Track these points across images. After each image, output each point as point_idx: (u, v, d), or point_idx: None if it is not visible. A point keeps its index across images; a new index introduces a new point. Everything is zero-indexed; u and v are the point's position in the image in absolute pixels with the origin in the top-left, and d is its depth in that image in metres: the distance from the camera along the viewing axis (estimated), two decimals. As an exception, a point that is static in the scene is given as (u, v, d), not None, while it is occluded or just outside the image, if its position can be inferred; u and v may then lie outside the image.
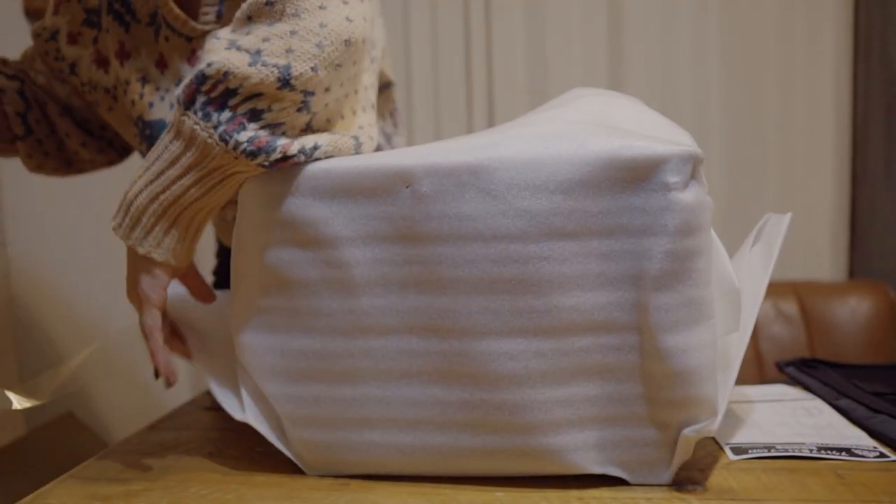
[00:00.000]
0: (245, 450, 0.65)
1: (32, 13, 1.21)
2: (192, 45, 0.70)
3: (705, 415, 0.51)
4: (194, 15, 0.70)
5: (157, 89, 0.72)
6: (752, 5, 1.61)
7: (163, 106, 0.72)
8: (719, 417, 0.51)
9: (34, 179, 1.21)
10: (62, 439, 1.11)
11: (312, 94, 0.56)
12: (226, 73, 0.53)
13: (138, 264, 0.59)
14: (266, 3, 0.57)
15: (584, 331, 0.51)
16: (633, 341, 0.51)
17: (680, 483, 0.53)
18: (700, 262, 0.50)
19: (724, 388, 0.53)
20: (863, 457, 0.57)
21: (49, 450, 1.08)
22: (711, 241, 0.53)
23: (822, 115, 1.64)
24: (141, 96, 0.72)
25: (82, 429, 1.21)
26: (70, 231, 1.23)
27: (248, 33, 0.58)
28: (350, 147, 0.60)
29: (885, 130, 1.55)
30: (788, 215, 0.65)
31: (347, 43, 0.57)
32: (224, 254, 1.00)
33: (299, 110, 0.56)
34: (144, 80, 0.72)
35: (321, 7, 0.57)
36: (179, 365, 0.66)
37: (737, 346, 0.56)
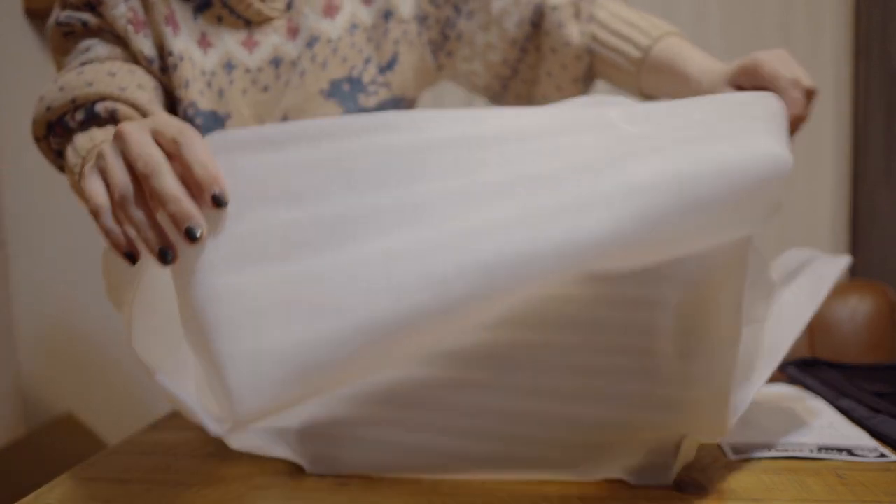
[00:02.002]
0: (245, 450, 0.65)
1: (33, 13, 1.21)
2: (250, 29, 0.69)
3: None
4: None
5: (203, 73, 0.70)
6: (752, 5, 1.61)
7: (209, 93, 0.70)
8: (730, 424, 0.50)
9: (34, 179, 1.21)
10: (62, 439, 1.11)
11: None
12: None
13: None
14: None
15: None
16: (646, 342, 0.50)
17: (680, 483, 0.52)
18: None
19: (741, 395, 0.52)
20: (863, 457, 0.57)
21: (49, 450, 1.08)
22: None
23: (822, 115, 1.64)
24: (194, 78, 0.69)
25: (82, 429, 1.21)
26: (70, 231, 1.23)
27: None
28: None
29: (885, 130, 1.55)
30: (845, 259, 0.68)
31: None
32: None
33: None
34: (192, 60, 0.69)
35: None
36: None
37: (762, 366, 0.54)
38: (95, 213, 0.43)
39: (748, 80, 0.63)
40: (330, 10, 0.73)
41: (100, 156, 0.44)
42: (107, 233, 0.43)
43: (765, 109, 0.50)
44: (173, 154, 0.43)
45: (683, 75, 0.69)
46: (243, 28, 0.69)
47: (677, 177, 0.41)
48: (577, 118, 0.47)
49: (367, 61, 0.75)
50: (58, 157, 0.68)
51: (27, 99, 1.23)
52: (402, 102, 0.80)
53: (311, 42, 0.72)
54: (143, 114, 0.65)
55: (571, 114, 0.48)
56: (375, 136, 0.45)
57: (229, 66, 0.70)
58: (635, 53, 0.73)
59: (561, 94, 0.80)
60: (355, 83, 0.75)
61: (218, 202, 0.42)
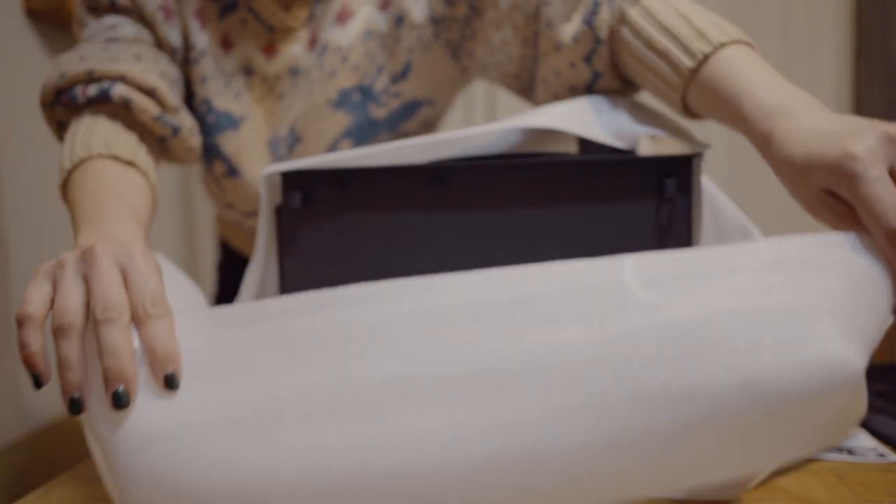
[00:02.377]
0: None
1: (33, 13, 1.21)
2: (272, 36, 0.69)
3: None
4: (284, 6, 0.68)
5: (223, 73, 0.69)
6: (752, 5, 1.61)
7: (227, 94, 0.70)
8: None
9: (34, 179, 1.21)
10: (62, 439, 1.11)
11: None
12: None
13: None
14: None
15: None
16: None
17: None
18: None
19: None
20: (863, 456, 0.57)
21: (49, 450, 1.08)
22: None
23: (822, 115, 1.64)
24: (213, 75, 0.69)
25: (82, 429, 1.21)
26: (70, 231, 1.23)
27: None
28: None
29: (885, 130, 1.55)
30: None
31: None
32: (232, 265, 0.97)
33: None
34: (215, 58, 0.69)
35: None
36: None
37: None
38: (21, 320, 0.40)
39: (837, 187, 0.42)
40: (342, 17, 0.70)
41: (59, 266, 0.42)
42: (24, 345, 0.40)
43: (846, 278, 0.37)
44: (140, 321, 0.40)
45: (739, 113, 0.51)
46: (265, 34, 0.69)
47: (689, 389, 0.34)
48: (580, 278, 0.39)
49: (380, 70, 0.72)
50: (60, 128, 0.66)
51: (27, 99, 1.23)
52: (418, 106, 0.76)
53: (322, 51, 0.71)
54: (162, 105, 0.63)
55: (571, 274, 0.39)
56: (334, 312, 0.40)
57: (248, 71, 0.70)
58: (685, 62, 0.55)
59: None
60: (366, 92, 0.72)
61: (169, 383, 0.39)
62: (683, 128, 0.60)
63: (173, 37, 0.67)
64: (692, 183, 0.53)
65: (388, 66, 0.72)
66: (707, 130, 1.66)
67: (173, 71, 0.67)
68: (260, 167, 0.73)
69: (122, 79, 0.62)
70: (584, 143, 0.60)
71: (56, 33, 1.27)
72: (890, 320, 0.37)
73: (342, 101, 0.72)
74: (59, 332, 0.40)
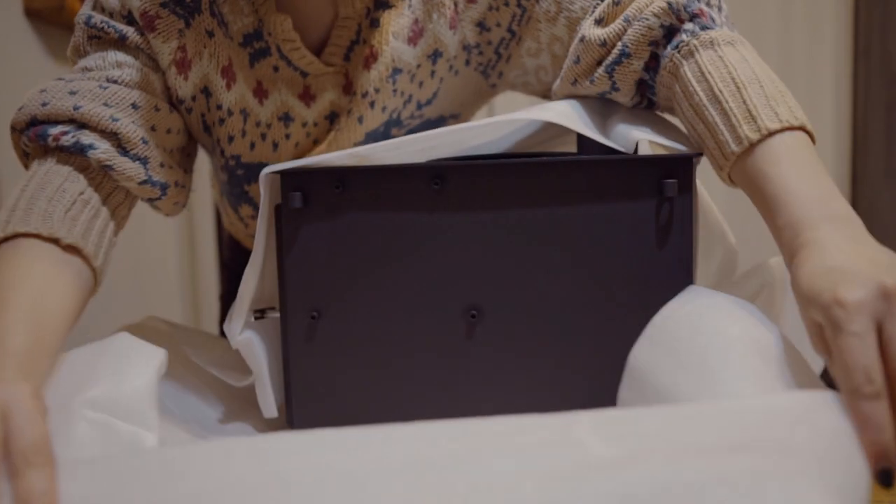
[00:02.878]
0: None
1: (33, 13, 1.21)
2: (307, 81, 0.66)
3: None
4: (315, 51, 0.66)
5: (258, 125, 0.67)
6: (752, 5, 1.61)
7: (262, 147, 0.68)
8: None
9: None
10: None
11: None
12: None
13: None
14: None
15: None
16: None
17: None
18: None
19: None
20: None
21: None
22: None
23: (822, 115, 1.64)
24: (243, 133, 0.66)
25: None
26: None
27: None
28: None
29: (885, 130, 1.55)
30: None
31: None
32: (239, 262, 0.96)
33: None
34: (245, 113, 0.65)
35: None
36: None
37: None
38: None
39: (825, 330, 0.39)
40: (368, 62, 0.66)
41: None
42: None
43: (819, 438, 0.34)
44: (17, 470, 0.38)
45: (774, 223, 0.48)
46: (300, 79, 0.66)
47: None
48: (533, 434, 0.35)
49: (408, 101, 0.70)
50: (25, 156, 0.61)
51: (27, 99, 1.23)
52: (442, 121, 0.76)
53: (365, 95, 0.67)
54: (147, 164, 0.60)
55: (524, 429, 0.36)
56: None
57: (287, 119, 0.67)
58: (732, 146, 0.50)
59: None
60: (393, 122, 0.71)
61: None
62: (682, 131, 0.60)
63: (183, 90, 0.62)
64: (692, 183, 0.53)
65: (415, 96, 0.70)
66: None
67: (172, 122, 0.63)
68: None
69: (112, 123, 0.57)
70: (583, 144, 0.60)
71: (56, 33, 1.27)
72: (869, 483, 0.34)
73: (366, 141, 0.70)
74: None
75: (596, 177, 0.53)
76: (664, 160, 0.52)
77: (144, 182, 0.59)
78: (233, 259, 0.99)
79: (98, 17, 0.60)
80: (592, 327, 0.54)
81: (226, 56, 0.63)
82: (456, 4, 0.66)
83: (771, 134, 0.49)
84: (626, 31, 0.56)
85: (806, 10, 1.62)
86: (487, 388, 0.55)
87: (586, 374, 0.54)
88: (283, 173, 0.56)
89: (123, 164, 0.58)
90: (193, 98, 0.63)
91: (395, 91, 0.68)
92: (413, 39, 0.66)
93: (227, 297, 0.98)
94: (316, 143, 0.70)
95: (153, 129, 0.61)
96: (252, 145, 0.67)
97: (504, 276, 0.54)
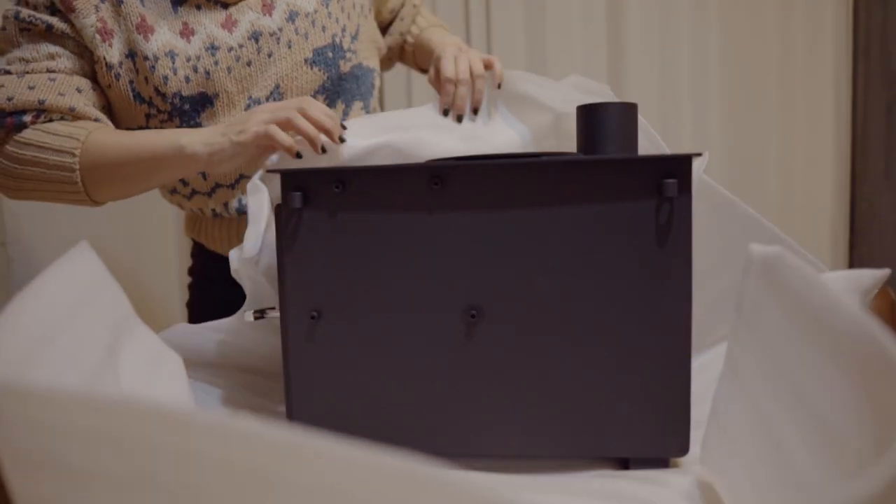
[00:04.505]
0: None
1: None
2: (228, 11, 0.76)
3: None
4: None
5: (188, 59, 0.74)
6: (752, 6, 1.61)
7: (196, 78, 0.75)
8: None
9: (34, 179, 1.21)
10: None
11: None
12: None
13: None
14: None
15: None
16: None
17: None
18: None
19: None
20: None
21: None
22: None
23: (822, 115, 1.64)
24: (174, 71, 0.74)
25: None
26: (70, 231, 1.23)
27: None
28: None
29: (885, 130, 1.55)
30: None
31: None
32: (203, 253, 0.96)
33: None
34: (172, 53, 0.74)
35: None
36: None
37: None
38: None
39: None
40: None
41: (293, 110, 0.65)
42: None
43: None
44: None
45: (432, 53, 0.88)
46: (221, 10, 0.75)
47: None
48: None
49: (344, 30, 0.83)
50: None
51: (27, 99, 1.23)
52: (368, 72, 0.89)
53: (292, 16, 0.79)
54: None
55: None
56: None
57: (212, 49, 0.75)
58: (409, 38, 0.98)
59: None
60: (337, 49, 0.82)
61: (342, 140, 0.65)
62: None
63: (112, 55, 0.72)
64: (692, 183, 0.53)
65: (348, 27, 0.84)
66: (708, 131, 1.66)
67: (101, 97, 0.75)
68: None
69: (71, 112, 0.70)
70: (583, 144, 0.60)
71: (56, 33, 1.27)
72: None
73: (317, 59, 0.80)
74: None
75: (596, 177, 0.53)
76: (664, 160, 0.52)
77: (97, 120, 0.73)
78: (198, 265, 0.97)
79: (25, 11, 0.71)
80: (592, 327, 0.54)
81: (137, 14, 0.72)
82: None
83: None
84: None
85: (806, 10, 1.62)
86: (487, 388, 0.55)
87: (586, 373, 0.54)
88: (284, 173, 0.56)
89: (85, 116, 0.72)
90: (120, 64, 0.73)
91: (329, 14, 0.82)
92: None
93: (194, 306, 0.97)
94: (250, 64, 0.78)
95: (94, 104, 0.73)
96: (187, 79, 0.75)
97: (504, 276, 0.54)
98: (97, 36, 0.71)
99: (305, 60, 0.80)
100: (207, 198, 0.83)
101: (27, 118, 0.69)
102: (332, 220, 0.56)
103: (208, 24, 0.75)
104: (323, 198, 0.56)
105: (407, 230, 0.55)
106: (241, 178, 0.81)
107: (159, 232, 1.53)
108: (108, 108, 0.76)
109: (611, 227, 0.53)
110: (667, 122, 1.63)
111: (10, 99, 0.69)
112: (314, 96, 0.82)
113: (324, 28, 0.81)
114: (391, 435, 0.57)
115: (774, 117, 1.64)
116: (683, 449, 0.53)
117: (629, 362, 0.53)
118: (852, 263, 1.67)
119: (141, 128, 0.77)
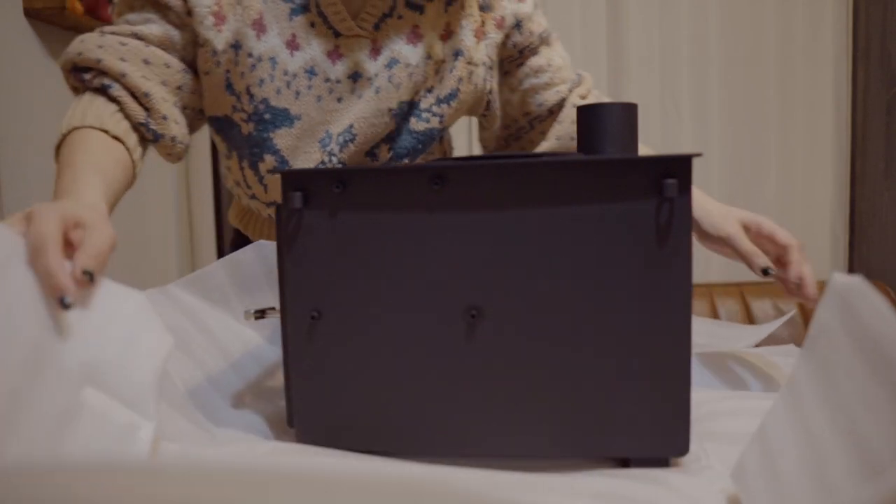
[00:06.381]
0: (245, 450, 0.65)
1: (33, 13, 1.21)
2: (338, 41, 0.75)
3: None
4: (352, 15, 0.74)
5: (285, 73, 0.74)
6: (752, 5, 1.61)
7: (287, 94, 0.74)
8: None
9: (34, 179, 1.21)
10: None
11: None
12: None
13: None
14: None
15: None
16: None
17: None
18: None
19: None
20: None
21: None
22: None
23: (822, 115, 1.64)
24: (271, 78, 0.73)
25: None
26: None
27: None
28: None
29: (885, 130, 1.55)
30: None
31: None
32: (245, 244, 0.98)
33: None
34: (274, 61, 0.73)
35: None
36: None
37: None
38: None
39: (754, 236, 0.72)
40: (413, 38, 0.78)
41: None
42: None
43: None
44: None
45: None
46: (332, 38, 0.74)
47: None
48: None
49: (430, 90, 0.80)
50: (75, 91, 0.73)
51: (27, 99, 1.23)
52: (441, 134, 0.85)
53: (391, 63, 0.77)
54: (149, 111, 0.70)
55: None
56: None
57: (311, 73, 0.75)
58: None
59: None
60: (414, 105, 0.80)
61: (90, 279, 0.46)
62: None
63: (219, 42, 0.72)
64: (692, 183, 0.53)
65: (437, 88, 0.81)
66: (708, 131, 1.66)
67: (182, 80, 0.73)
68: (309, 162, 0.80)
69: (122, 78, 0.69)
70: (583, 144, 0.60)
71: (56, 33, 1.27)
72: None
73: (398, 111, 0.79)
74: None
75: (596, 177, 0.53)
76: (664, 160, 0.52)
77: (142, 125, 0.70)
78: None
79: None
80: (592, 327, 0.54)
81: (257, 10, 0.72)
82: (484, 23, 0.81)
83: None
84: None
85: (806, 11, 1.62)
86: (487, 388, 0.55)
87: (586, 373, 0.54)
88: (284, 173, 0.56)
89: (130, 103, 0.70)
90: (224, 52, 0.72)
91: (424, 73, 0.79)
92: (444, 38, 0.79)
93: None
94: (340, 100, 0.77)
95: (164, 83, 0.72)
96: (278, 90, 0.74)
97: (504, 276, 0.54)
98: (210, 18, 0.71)
99: (389, 110, 0.78)
100: (265, 206, 0.85)
101: (87, 77, 0.70)
102: (332, 220, 0.56)
103: (316, 46, 0.74)
104: (323, 198, 0.56)
105: (407, 230, 0.55)
106: None
107: (159, 232, 1.53)
108: (187, 89, 0.74)
109: (611, 227, 0.53)
110: (667, 122, 1.63)
111: (79, 54, 0.70)
112: (378, 144, 0.81)
113: (416, 83, 0.79)
114: (391, 435, 0.57)
115: (774, 117, 1.64)
116: (683, 449, 0.53)
117: (629, 362, 0.53)
118: (852, 263, 1.67)
119: (227, 116, 0.78)
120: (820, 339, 0.42)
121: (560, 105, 0.87)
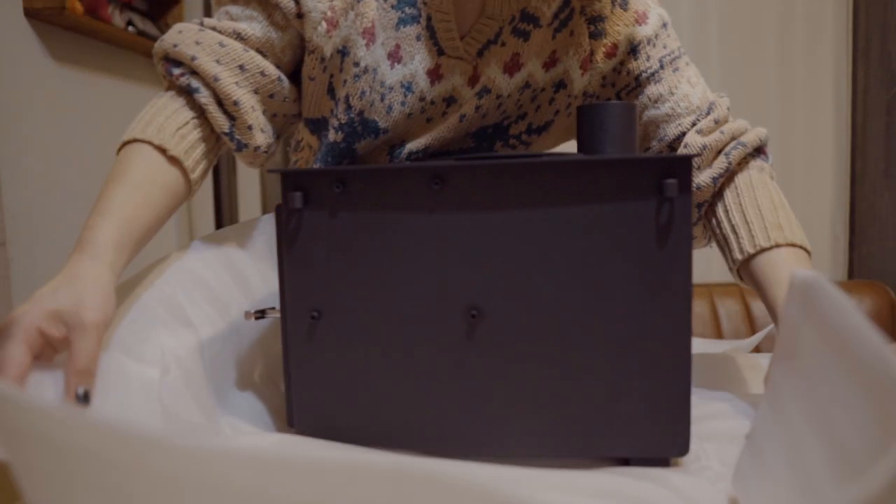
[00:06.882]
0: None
1: (33, 13, 1.21)
2: (440, 60, 0.70)
3: None
4: (461, 34, 0.70)
5: (381, 85, 0.70)
6: (752, 6, 1.61)
7: (379, 108, 0.71)
8: None
9: (34, 179, 1.21)
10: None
11: None
12: None
13: None
14: None
15: None
16: None
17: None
18: None
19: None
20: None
21: None
22: None
23: (822, 115, 1.64)
24: (371, 90, 0.70)
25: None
26: (70, 231, 1.23)
27: None
28: None
29: (885, 130, 1.55)
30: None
31: None
32: None
33: None
34: (375, 72, 0.70)
35: None
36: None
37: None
38: None
39: None
40: (511, 68, 0.72)
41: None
42: None
43: None
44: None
45: (774, 311, 0.64)
46: (435, 56, 0.70)
47: None
48: None
49: (522, 117, 0.76)
50: (163, 78, 0.70)
51: (27, 99, 1.23)
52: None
53: (482, 92, 0.73)
54: (234, 121, 0.67)
55: None
56: None
57: (408, 89, 0.71)
58: (736, 254, 0.69)
59: None
60: (501, 129, 0.76)
61: (82, 399, 0.47)
62: None
63: (328, 49, 0.69)
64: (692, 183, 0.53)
65: (530, 116, 0.76)
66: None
67: (275, 88, 0.70)
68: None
69: (214, 82, 0.65)
70: (583, 144, 0.60)
71: (56, 33, 1.27)
72: None
73: (478, 133, 0.76)
74: None
75: (596, 177, 0.53)
76: (664, 160, 0.52)
77: (226, 134, 0.68)
78: None
79: None
80: (592, 327, 0.54)
81: (370, 18, 0.68)
82: (592, 53, 0.74)
83: (773, 247, 0.67)
84: (726, 146, 0.73)
85: (806, 11, 1.62)
86: (487, 388, 0.55)
87: (586, 373, 0.54)
88: (284, 173, 0.56)
89: (216, 112, 0.67)
90: (331, 57, 0.69)
91: (517, 102, 0.74)
92: (548, 66, 0.74)
93: None
94: (429, 121, 0.74)
95: (255, 91, 0.69)
96: (372, 103, 0.71)
97: (504, 276, 0.54)
98: (323, 24, 0.68)
99: (469, 133, 0.75)
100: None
101: (176, 72, 0.66)
102: (332, 220, 0.56)
103: (418, 61, 0.70)
104: (323, 198, 0.56)
105: (407, 230, 0.55)
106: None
107: (159, 232, 1.53)
108: (279, 97, 0.71)
109: (611, 227, 0.53)
110: (667, 122, 1.63)
111: (174, 46, 0.66)
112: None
113: (504, 112, 0.75)
114: (391, 434, 0.57)
115: (774, 117, 1.64)
116: (683, 449, 0.54)
117: (629, 362, 0.54)
118: (852, 263, 1.67)
119: (324, 118, 0.74)
120: (789, 338, 0.42)
121: (679, 139, 0.75)
